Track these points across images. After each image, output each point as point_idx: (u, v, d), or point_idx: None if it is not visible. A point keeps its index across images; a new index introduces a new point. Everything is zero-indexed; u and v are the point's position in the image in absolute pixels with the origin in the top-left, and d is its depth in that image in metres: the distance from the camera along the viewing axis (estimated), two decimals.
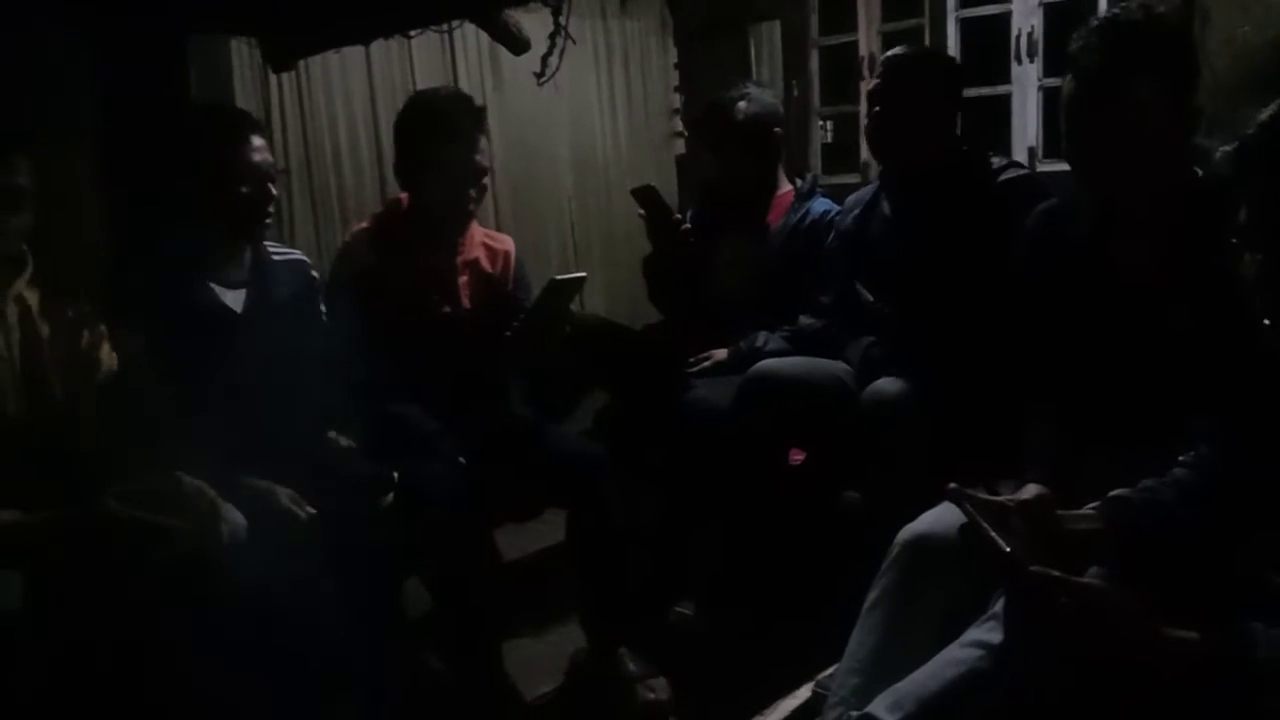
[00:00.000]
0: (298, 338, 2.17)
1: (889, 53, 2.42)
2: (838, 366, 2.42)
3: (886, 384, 2.20)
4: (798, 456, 2.56)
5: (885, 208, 2.42)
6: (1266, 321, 1.15)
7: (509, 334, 2.32)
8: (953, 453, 1.93)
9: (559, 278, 2.32)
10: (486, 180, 2.46)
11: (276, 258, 2.22)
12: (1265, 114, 1.13)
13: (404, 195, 2.46)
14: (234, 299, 2.11)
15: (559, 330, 2.41)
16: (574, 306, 2.58)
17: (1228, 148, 1.18)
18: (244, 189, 2.06)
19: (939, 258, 2.22)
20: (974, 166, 2.29)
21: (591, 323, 2.97)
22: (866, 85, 3.54)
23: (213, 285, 2.10)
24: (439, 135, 2.32)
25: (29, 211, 1.76)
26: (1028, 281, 1.73)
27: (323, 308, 2.32)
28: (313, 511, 1.93)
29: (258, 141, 2.11)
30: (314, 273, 2.33)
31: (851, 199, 2.57)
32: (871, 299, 2.40)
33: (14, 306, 1.77)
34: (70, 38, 2.14)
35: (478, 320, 2.41)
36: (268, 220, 2.17)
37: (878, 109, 2.34)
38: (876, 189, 2.50)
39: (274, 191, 2.15)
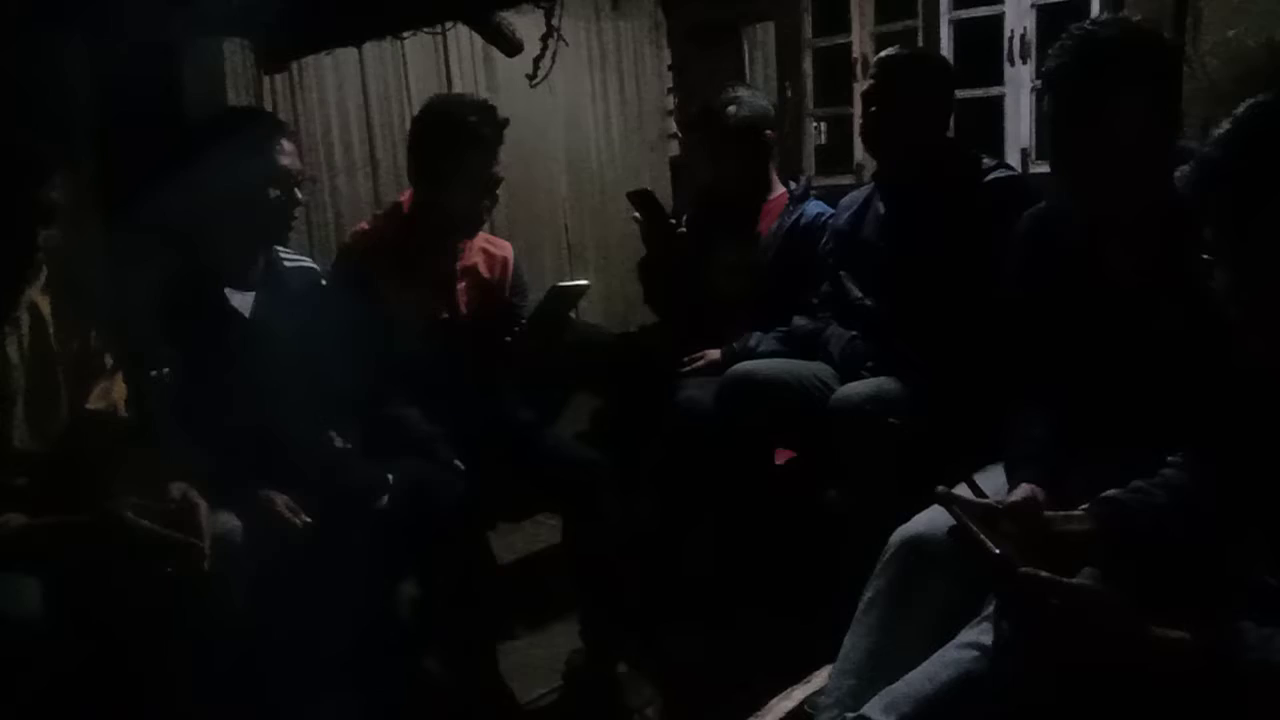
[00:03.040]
0: (303, 343, 2.16)
1: (882, 53, 2.43)
2: (819, 367, 2.42)
3: (852, 388, 2.20)
4: (784, 456, 2.57)
5: (879, 207, 2.44)
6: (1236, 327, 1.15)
7: (509, 340, 2.32)
8: (929, 452, 1.91)
9: (562, 285, 2.31)
10: (500, 190, 2.43)
11: (288, 264, 2.22)
12: (1220, 132, 1.12)
13: (404, 198, 2.44)
14: (243, 302, 2.11)
15: (559, 337, 2.39)
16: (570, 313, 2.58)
17: (1185, 168, 1.16)
18: (273, 192, 2.06)
19: (927, 256, 2.23)
20: (965, 166, 2.30)
21: (586, 333, 2.96)
22: (860, 86, 3.56)
23: (225, 288, 2.09)
24: (462, 143, 2.29)
25: (58, 224, 1.76)
26: (1020, 284, 1.73)
27: None
28: (309, 520, 1.92)
29: (288, 146, 2.11)
30: (324, 281, 2.33)
31: (846, 198, 2.58)
32: (859, 295, 2.40)
33: (26, 314, 1.76)
34: (69, 42, 2.14)
35: (475, 326, 2.40)
36: (292, 224, 2.16)
37: (872, 109, 2.36)
38: (872, 189, 2.51)
39: (300, 196, 2.14)
